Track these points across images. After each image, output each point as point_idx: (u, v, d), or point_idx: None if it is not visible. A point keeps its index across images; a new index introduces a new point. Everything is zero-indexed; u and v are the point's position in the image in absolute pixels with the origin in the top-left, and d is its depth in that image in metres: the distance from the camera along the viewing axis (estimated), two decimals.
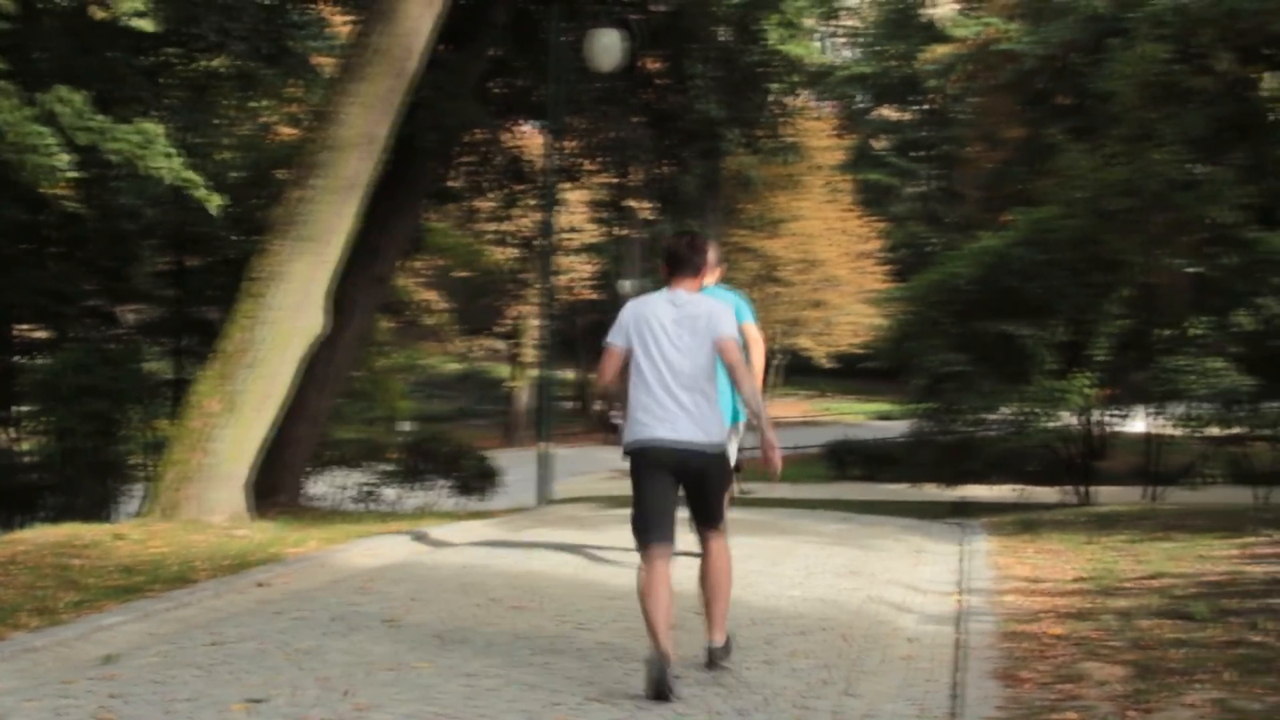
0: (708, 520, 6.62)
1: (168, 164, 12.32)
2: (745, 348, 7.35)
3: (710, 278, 7.55)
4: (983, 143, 59.69)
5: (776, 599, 8.55)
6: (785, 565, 9.99)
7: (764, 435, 6.43)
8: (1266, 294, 17.40)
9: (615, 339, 6.54)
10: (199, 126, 19.59)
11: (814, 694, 6.14)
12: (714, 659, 6.62)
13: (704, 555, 6.67)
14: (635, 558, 6.43)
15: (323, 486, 19.58)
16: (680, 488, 6.47)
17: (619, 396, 6.80)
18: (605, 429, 54.54)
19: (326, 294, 12.94)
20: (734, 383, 6.59)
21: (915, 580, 9.61)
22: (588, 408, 64.35)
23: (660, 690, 5.93)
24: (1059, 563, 10.13)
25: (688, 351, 6.37)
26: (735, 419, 8.78)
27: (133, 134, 11.95)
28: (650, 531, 6.32)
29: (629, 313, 6.60)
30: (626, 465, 6.46)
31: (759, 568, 9.83)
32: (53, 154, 11.68)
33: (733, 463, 8.41)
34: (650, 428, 6.31)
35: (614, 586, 8.93)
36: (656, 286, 7.29)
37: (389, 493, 19.92)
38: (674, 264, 6.69)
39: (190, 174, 12.68)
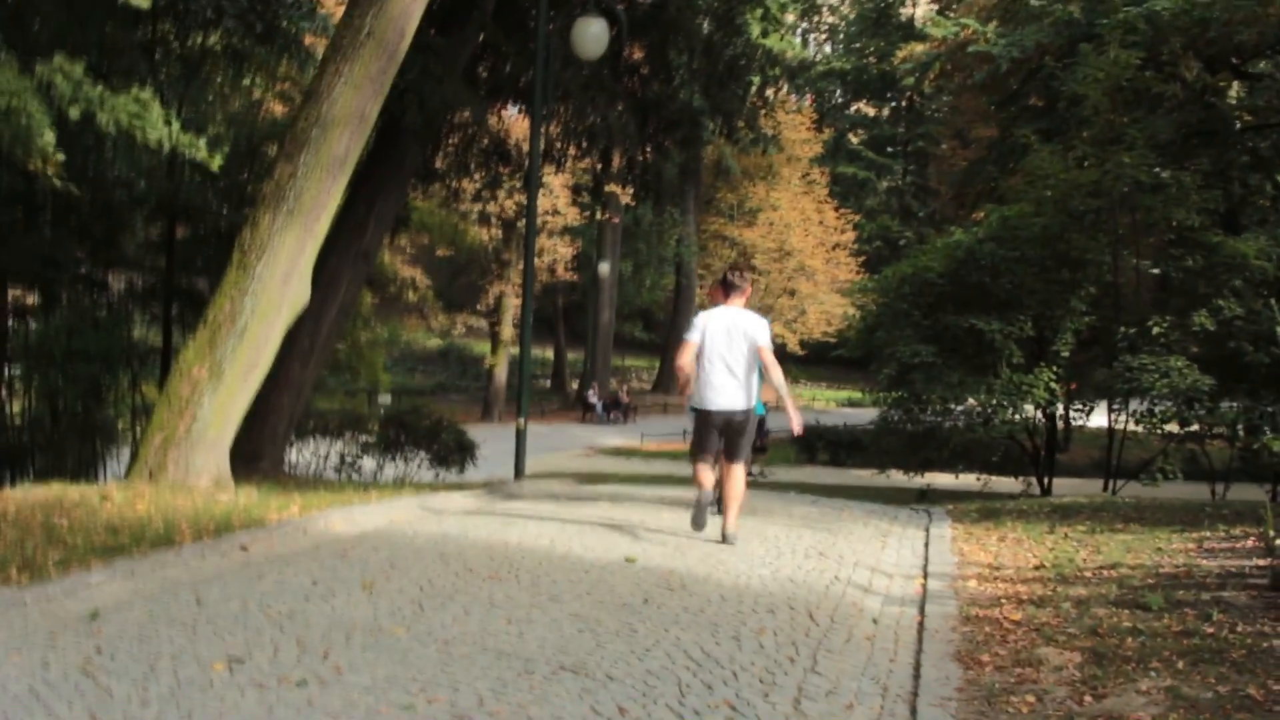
0: (733, 457, 10.18)
1: (166, 130, 12.38)
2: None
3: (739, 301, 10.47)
4: (955, 140, 59.89)
5: (746, 578, 8.67)
6: (754, 545, 10.13)
7: (789, 409, 10.10)
8: (1226, 296, 17.63)
9: (693, 336, 10.07)
10: (192, 101, 19.57)
11: (780, 670, 6.27)
12: (726, 538, 10.16)
13: (724, 476, 10.32)
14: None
15: (304, 455, 19.62)
16: (722, 437, 10.12)
17: (688, 376, 10.13)
18: (584, 407, 54.74)
19: (313, 267, 13.05)
20: (767, 373, 10.04)
21: (880, 563, 9.71)
22: (564, 386, 64.40)
23: (700, 521, 10.25)
24: (1020, 551, 10.26)
25: (738, 352, 9.97)
26: (758, 411, 10.97)
27: (129, 103, 12.01)
28: (701, 452, 10.28)
29: (703, 320, 10.14)
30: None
31: (729, 546, 10.03)
32: (43, 131, 11.70)
33: (756, 444, 11.15)
34: (712, 400, 9.99)
35: (587, 560, 9.11)
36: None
37: (368, 463, 19.94)
38: (728, 289, 10.35)
39: (189, 136, 12.75)
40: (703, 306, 60.90)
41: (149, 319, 21.10)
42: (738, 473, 10.22)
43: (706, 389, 9.98)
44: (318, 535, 9.98)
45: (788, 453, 33.88)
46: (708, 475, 10.32)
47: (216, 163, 13.00)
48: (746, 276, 10.60)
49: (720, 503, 10.48)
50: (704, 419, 10.11)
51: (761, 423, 11.41)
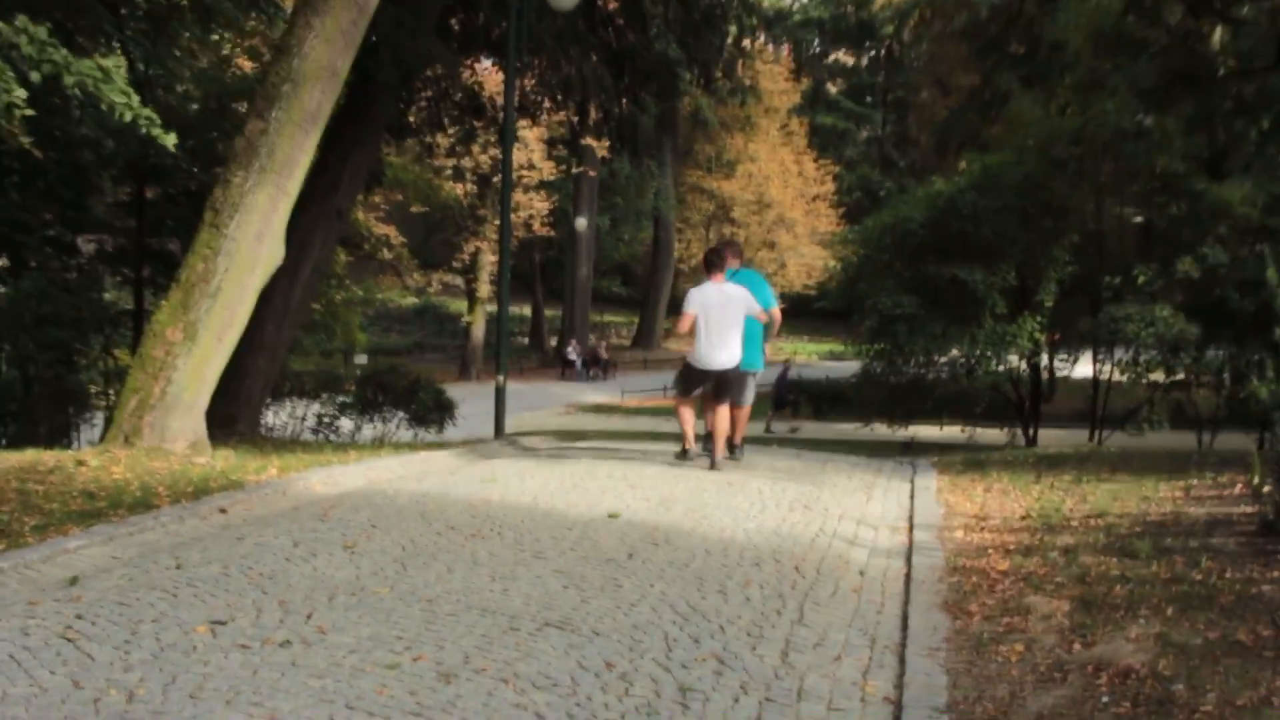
0: (738, 402, 12.38)
1: (125, 100, 12.21)
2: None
3: (735, 264, 12.50)
4: (936, 89, 59.94)
5: (731, 531, 8.64)
6: (739, 498, 10.08)
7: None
8: (1211, 243, 17.60)
9: (691, 308, 11.84)
10: (160, 59, 19.37)
11: (767, 622, 6.26)
12: (714, 465, 11.98)
13: (732, 416, 12.36)
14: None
15: (281, 416, 19.49)
16: (715, 387, 12.08)
17: (688, 340, 12.15)
18: (563, 364, 54.82)
19: (286, 226, 12.88)
20: (766, 326, 12.32)
21: (866, 515, 9.69)
22: (543, 343, 64.51)
23: (685, 456, 12.51)
24: (1006, 501, 10.22)
25: (730, 317, 11.82)
26: (757, 367, 12.77)
27: (93, 68, 11.83)
28: (688, 392, 12.47)
29: (698, 293, 11.92)
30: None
31: (713, 500, 9.96)
32: (10, 90, 11.54)
33: (751, 399, 12.91)
34: (709, 359, 11.89)
35: (570, 516, 9.05)
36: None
37: (346, 423, 19.85)
38: (710, 265, 12.11)
39: (147, 111, 12.58)
40: (680, 260, 60.82)
41: (120, 281, 20.96)
42: (736, 410, 12.51)
43: (705, 350, 11.92)
44: (297, 496, 9.90)
45: (770, 406, 33.76)
46: (687, 414, 12.60)
47: (171, 141, 12.81)
48: (725, 252, 12.37)
49: (712, 438, 12.26)
50: (701, 372, 12.11)
51: (783, 378, 13.20)
